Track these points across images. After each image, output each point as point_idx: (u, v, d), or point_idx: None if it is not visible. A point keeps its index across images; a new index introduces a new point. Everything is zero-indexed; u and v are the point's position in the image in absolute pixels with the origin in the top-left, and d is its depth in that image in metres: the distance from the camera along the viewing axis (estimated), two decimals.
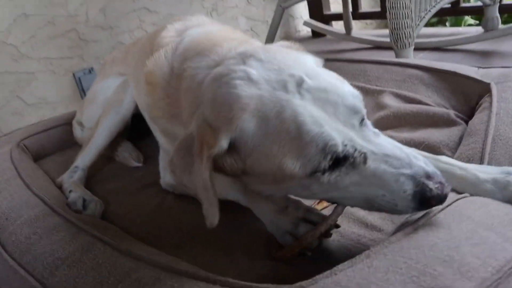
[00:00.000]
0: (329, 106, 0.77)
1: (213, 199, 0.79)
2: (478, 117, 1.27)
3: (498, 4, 2.61)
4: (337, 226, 0.98)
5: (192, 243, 1.05)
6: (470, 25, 3.86)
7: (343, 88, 0.80)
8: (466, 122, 1.36)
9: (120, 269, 0.85)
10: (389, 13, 1.96)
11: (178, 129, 1.05)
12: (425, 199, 0.75)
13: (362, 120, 0.80)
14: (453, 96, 1.44)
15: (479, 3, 2.77)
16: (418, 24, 2.02)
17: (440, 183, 0.76)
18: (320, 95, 0.77)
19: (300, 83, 0.77)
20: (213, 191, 0.78)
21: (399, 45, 1.98)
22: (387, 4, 1.96)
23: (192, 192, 1.15)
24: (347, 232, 1.01)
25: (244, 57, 0.84)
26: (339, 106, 0.77)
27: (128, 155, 1.55)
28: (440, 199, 0.75)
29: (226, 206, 0.88)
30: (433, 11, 2.12)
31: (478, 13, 3.29)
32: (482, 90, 1.38)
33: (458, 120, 1.36)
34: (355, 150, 0.76)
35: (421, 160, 0.79)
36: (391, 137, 1.29)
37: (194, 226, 1.09)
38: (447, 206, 0.87)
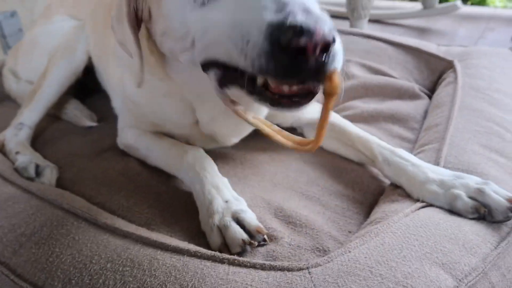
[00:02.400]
0: None
1: (136, 49, 0.85)
2: (444, 91, 1.32)
3: None
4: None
5: (168, 213, 0.97)
6: None
7: None
8: (428, 97, 1.41)
9: (104, 247, 0.76)
10: None
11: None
12: (284, 29, 0.58)
13: None
14: (416, 70, 1.48)
15: None
16: None
17: (317, 20, 0.58)
18: None
19: None
20: (138, 45, 0.84)
21: (355, 15, 1.98)
22: None
23: (142, 154, 1.13)
24: (331, 205, 1.00)
25: None
26: None
27: (79, 113, 1.38)
28: (307, 30, 0.57)
29: None
30: None
31: None
32: (444, 66, 1.44)
33: (422, 94, 1.40)
34: None
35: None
36: (359, 107, 1.33)
37: (171, 196, 1.01)
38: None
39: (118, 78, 1.21)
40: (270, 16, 0.60)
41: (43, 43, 1.43)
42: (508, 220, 0.80)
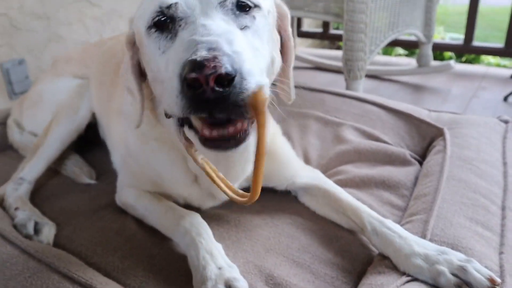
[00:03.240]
0: None
1: (138, 95, 0.97)
2: (434, 159, 1.36)
3: (432, 43, 2.83)
4: None
5: (162, 277, 0.99)
6: (399, 55, 4.14)
7: None
8: (419, 163, 1.46)
9: None
10: (345, 45, 2.04)
11: None
12: (184, 65, 0.68)
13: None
14: (408, 136, 1.53)
15: (414, 38, 3.00)
16: (369, 57, 2.12)
17: (214, 58, 0.66)
18: None
19: None
20: (139, 91, 0.97)
21: (351, 76, 2.06)
22: (344, 36, 2.04)
23: (139, 213, 1.18)
24: (321, 274, 1.02)
25: None
26: None
27: (78, 170, 1.42)
28: (199, 64, 0.65)
29: None
30: (382, 45, 2.24)
31: (412, 46, 3.55)
32: (435, 133, 1.49)
33: (413, 160, 1.45)
34: (186, 16, 0.81)
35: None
36: (351, 172, 1.37)
37: (165, 259, 1.04)
38: None
39: (120, 134, 1.26)
40: (184, 58, 0.69)
41: (48, 99, 1.50)
42: None
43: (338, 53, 3.72)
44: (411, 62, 3.38)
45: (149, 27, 0.86)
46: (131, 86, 0.99)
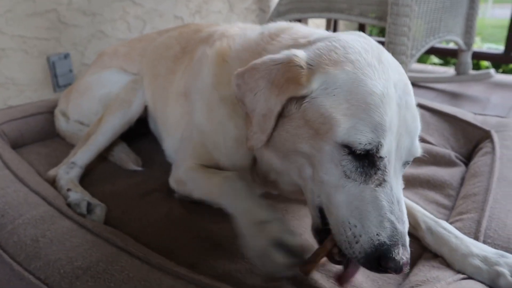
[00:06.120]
0: (403, 127, 0.81)
1: (268, 128, 0.87)
2: (481, 161, 1.34)
3: (471, 51, 2.80)
4: None
5: (211, 257, 1.01)
6: (434, 63, 4.10)
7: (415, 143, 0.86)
8: (464, 165, 1.44)
9: (158, 286, 0.80)
10: (387, 48, 2.03)
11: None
12: (386, 257, 0.75)
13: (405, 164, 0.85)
14: (453, 138, 1.52)
15: (450, 46, 2.97)
16: (410, 62, 2.11)
17: (405, 259, 0.75)
18: (406, 115, 0.82)
19: (403, 91, 0.84)
20: (272, 122, 0.86)
21: None
22: (386, 39, 2.03)
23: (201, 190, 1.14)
24: None
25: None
26: (405, 139, 0.82)
27: (125, 157, 1.46)
28: (395, 269, 0.74)
29: None
30: (422, 50, 2.23)
31: (447, 54, 3.51)
32: (481, 136, 1.47)
33: (458, 161, 1.43)
34: (385, 167, 0.79)
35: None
36: None
37: (210, 241, 1.05)
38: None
39: (180, 115, 1.31)
40: (384, 238, 0.75)
41: (94, 90, 1.56)
42: None
43: None
44: (448, 70, 3.35)
45: (344, 146, 0.79)
46: (267, 127, 0.88)
